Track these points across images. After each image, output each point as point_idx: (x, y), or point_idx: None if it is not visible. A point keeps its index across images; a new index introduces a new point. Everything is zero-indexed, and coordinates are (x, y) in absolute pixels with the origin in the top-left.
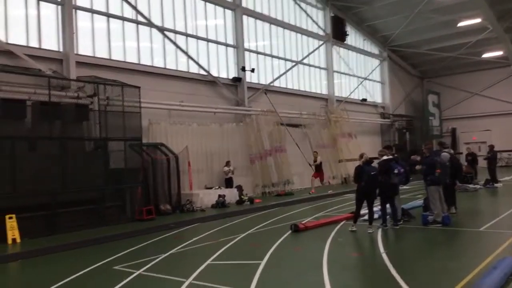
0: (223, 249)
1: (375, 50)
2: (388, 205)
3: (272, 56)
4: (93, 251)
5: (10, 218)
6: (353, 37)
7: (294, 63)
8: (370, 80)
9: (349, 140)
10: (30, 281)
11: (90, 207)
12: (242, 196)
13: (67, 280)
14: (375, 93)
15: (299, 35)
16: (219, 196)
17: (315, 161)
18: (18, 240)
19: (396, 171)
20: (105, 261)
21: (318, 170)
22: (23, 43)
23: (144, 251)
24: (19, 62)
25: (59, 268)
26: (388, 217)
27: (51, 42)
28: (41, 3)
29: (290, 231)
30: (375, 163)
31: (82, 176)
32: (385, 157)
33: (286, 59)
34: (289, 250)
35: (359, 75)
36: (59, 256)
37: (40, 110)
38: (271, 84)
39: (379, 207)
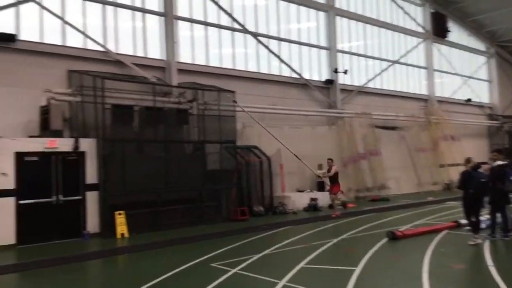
0: (316, 253)
1: (481, 46)
2: (498, 214)
3: (367, 57)
4: (192, 248)
5: (120, 214)
6: (456, 33)
7: (390, 63)
8: (475, 78)
9: (452, 143)
10: (137, 273)
11: (189, 206)
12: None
13: (170, 274)
14: (481, 92)
15: (395, 33)
16: (311, 199)
17: (328, 171)
18: (127, 235)
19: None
20: (203, 258)
21: (334, 182)
22: (131, 52)
23: (239, 250)
24: (127, 70)
25: (162, 262)
26: (497, 227)
27: (155, 51)
28: (146, 15)
29: (386, 239)
30: (482, 168)
31: (183, 176)
32: (499, 162)
33: (381, 59)
34: (385, 258)
35: (462, 74)
36: (162, 251)
37: (146, 115)
38: (365, 85)
39: (487, 216)
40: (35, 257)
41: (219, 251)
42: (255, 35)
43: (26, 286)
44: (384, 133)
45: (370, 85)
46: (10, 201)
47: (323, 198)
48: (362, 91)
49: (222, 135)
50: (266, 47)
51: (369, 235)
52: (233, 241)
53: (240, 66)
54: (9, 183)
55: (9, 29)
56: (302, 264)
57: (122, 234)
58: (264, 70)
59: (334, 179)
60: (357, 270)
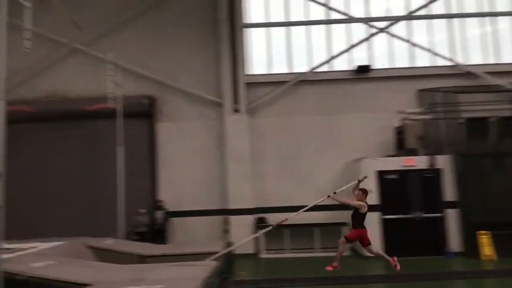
0: None
1: None
2: None
3: None
4: None
5: (483, 234)
6: None
7: None
8: None
9: None
10: None
11: None
12: None
13: None
14: None
15: None
16: None
17: (358, 206)
18: (493, 257)
19: None
20: None
21: (358, 225)
22: (480, 61)
23: None
24: (478, 81)
25: None
26: None
27: (508, 55)
28: (496, 18)
29: None
30: None
31: None
32: None
33: None
34: None
35: None
36: None
37: (503, 126)
38: None
39: None
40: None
41: None
42: None
43: None
44: None
45: None
46: (375, 216)
47: None
48: None
49: None
50: None
51: None
52: None
53: None
54: (374, 199)
55: (364, 61)
56: None
57: (488, 256)
58: None
59: (359, 219)
60: None
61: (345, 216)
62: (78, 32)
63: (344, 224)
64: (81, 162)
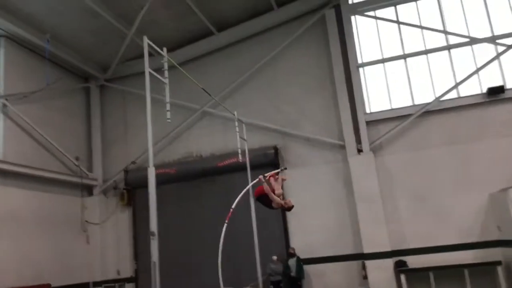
0: None
1: None
2: None
3: None
4: None
5: None
6: None
7: None
8: None
9: None
10: None
11: None
12: None
13: None
14: None
15: None
16: None
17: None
18: None
19: None
20: None
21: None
22: None
23: None
24: None
25: None
26: None
27: None
28: None
29: None
30: None
31: None
32: None
33: None
34: None
35: None
36: None
37: None
38: None
39: None
40: None
41: None
42: None
43: None
44: None
45: None
46: None
47: None
48: None
49: None
50: None
51: None
52: None
53: None
54: None
55: (494, 82)
56: None
57: None
58: None
59: None
60: None
61: (498, 253)
62: (206, 96)
63: (498, 263)
64: (218, 214)
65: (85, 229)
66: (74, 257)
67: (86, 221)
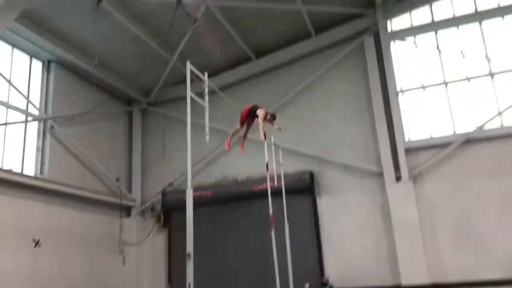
0: None
1: None
2: None
3: None
4: None
5: None
6: None
7: None
8: None
9: None
10: None
11: None
12: None
13: None
14: None
15: None
16: None
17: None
18: None
19: None
20: None
21: None
22: None
23: None
24: None
25: None
26: None
27: None
28: None
29: None
30: None
31: None
32: None
33: None
34: None
35: None
36: None
37: None
38: None
39: None
40: None
41: None
42: None
43: None
44: None
45: None
46: None
47: None
48: None
49: None
50: None
51: None
52: None
53: None
54: None
55: None
56: None
57: None
58: None
59: None
60: None
61: None
62: None
63: None
64: (253, 238)
65: (122, 250)
66: (110, 277)
67: (123, 241)
